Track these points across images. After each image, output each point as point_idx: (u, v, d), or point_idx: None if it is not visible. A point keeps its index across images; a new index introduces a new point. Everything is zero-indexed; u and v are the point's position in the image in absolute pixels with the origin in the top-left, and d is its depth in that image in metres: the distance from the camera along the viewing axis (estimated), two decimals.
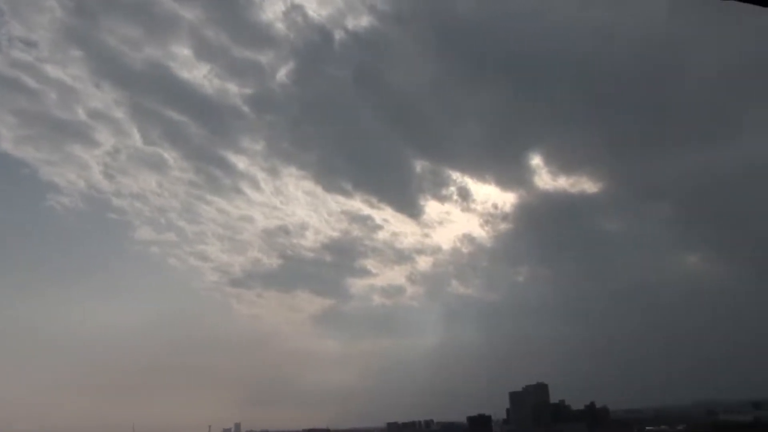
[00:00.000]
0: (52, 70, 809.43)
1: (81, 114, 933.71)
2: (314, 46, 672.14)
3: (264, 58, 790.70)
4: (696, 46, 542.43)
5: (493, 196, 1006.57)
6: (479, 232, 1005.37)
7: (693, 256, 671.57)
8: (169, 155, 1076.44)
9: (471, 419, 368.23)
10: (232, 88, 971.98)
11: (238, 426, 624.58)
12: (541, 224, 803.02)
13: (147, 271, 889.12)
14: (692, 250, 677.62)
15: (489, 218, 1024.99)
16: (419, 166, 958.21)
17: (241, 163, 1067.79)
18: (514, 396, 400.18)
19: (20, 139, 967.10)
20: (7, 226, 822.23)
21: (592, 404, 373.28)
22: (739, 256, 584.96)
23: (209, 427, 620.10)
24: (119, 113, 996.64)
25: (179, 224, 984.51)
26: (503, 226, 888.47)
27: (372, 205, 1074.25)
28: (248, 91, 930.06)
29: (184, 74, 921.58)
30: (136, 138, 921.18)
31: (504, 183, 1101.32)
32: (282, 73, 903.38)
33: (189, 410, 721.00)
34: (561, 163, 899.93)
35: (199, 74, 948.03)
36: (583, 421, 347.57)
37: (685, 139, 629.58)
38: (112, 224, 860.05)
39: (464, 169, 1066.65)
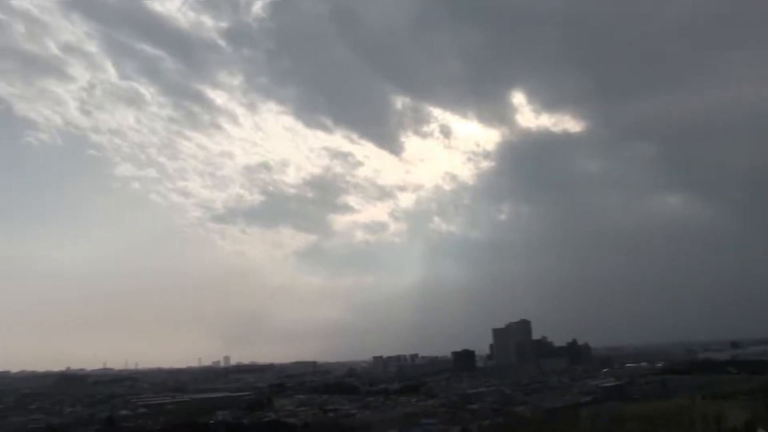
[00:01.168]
0: (17, 2, 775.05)
1: (53, 48, 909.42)
2: None
3: None
4: None
5: (475, 133, 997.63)
6: (461, 169, 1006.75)
7: (675, 196, 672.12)
8: (146, 90, 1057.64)
9: (455, 354, 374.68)
10: (207, 21, 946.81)
11: (227, 359, 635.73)
12: (523, 162, 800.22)
13: (129, 207, 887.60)
14: (674, 191, 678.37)
15: (471, 156, 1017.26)
16: (400, 102, 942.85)
17: (219, 98, 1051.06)
18: (497, 332, 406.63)
19: None
20: None
21: (574, 341, 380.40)
22: (719, 196, 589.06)
23: (199, 359, 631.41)
24: (92, 47, 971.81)
25: (159, 160, 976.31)
26: (485, 164, 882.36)
27: (353, 141, 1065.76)
28: (224, 24, 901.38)
29: (157, 6, 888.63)
30: (111, 72, 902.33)
31: (486, 120, 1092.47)
32: (257, 7, 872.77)
33: (178, 344, 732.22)
34: (544, 101, 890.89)
35: (172, 7, 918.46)
36: (564, 357, 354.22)
37: (668, 82, 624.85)
38: (91, 160, 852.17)
39: (446, 106, 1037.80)
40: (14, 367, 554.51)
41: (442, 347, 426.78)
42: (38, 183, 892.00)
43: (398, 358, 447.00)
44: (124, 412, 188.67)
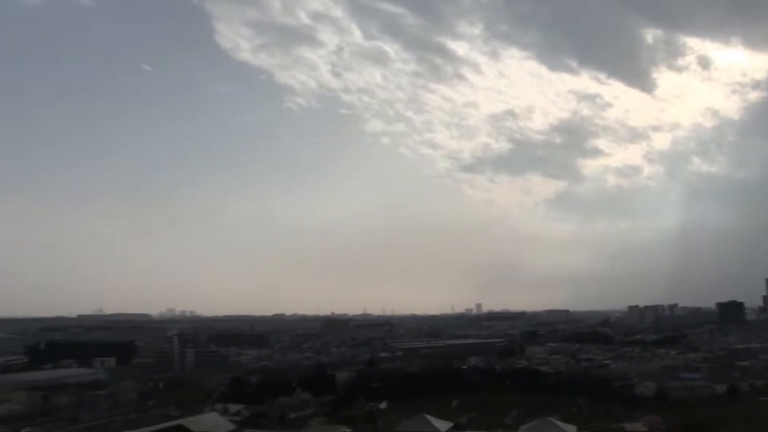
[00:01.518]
0: None
1: (304, 17, 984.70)
2: None
3: None
4: None
5: (740, 61, 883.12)
6: (724, 103, 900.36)
7: None
8: (390, 48, 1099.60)
9: (721, 305, 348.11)
10: None
11: (479, 306, 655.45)
12: None
13: (381, 161, 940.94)
14: None
15: (736, 87, 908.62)
16: (650, 35, 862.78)
17: (460, 49, 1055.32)
18: None
19: (256, 47, 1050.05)
20: (254, 128, 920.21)
21: None
22: None
23: (452, 306, 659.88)
24: (338, 12, 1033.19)
25: (407, 114, 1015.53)
26: (754, 95, 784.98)
27: (600, 82, 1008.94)
28: None
29: None
30: (357, 35, 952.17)
31: (754, 45, 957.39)
32: None
33: (431, 292, 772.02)
34: None
35: None
36: None
37: None
38: (344, 119, 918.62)
39: (703, 34, 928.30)
40: (288, 311, 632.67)
41: (705, 298, 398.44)
42: (299, 143, 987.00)
43: (655, 308, 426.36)
44: (383, 354, 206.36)
